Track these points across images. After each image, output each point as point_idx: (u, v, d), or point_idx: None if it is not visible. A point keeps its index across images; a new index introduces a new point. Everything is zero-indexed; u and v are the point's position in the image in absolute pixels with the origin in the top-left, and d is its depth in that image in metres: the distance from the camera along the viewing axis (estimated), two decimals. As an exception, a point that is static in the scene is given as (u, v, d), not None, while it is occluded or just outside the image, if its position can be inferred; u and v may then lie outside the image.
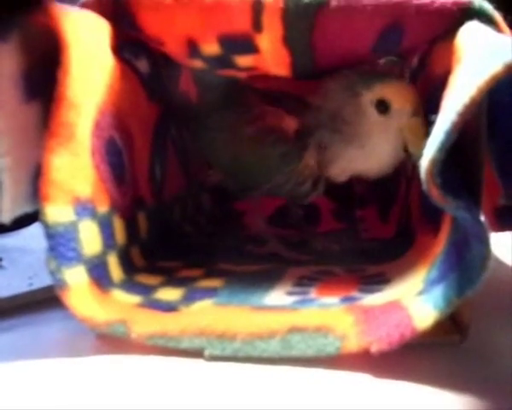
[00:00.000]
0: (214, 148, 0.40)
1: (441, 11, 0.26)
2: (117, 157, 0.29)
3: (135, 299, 0.28)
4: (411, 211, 0.34)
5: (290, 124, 0.36)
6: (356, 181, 0.44)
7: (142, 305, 0.27)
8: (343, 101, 0.33)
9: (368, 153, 0.33)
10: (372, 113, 0.32)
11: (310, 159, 0.36)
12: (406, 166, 0.37)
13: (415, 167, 0.34)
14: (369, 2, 0.26)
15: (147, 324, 0.25)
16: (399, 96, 0.31)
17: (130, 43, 0.31)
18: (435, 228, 0.27)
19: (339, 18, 0.27)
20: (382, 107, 0.32)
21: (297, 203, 0.43)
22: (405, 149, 0.32)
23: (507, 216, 0.28)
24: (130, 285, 0.29)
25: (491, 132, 0.23)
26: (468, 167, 0.23)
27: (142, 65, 0.33)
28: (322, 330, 0.23)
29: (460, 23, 0.25)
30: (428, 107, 0.30)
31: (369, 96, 0.32)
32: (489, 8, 0.26)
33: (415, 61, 0.35)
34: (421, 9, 0.26)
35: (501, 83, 0.19)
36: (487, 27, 0.25)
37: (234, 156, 0.38)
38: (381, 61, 0.45)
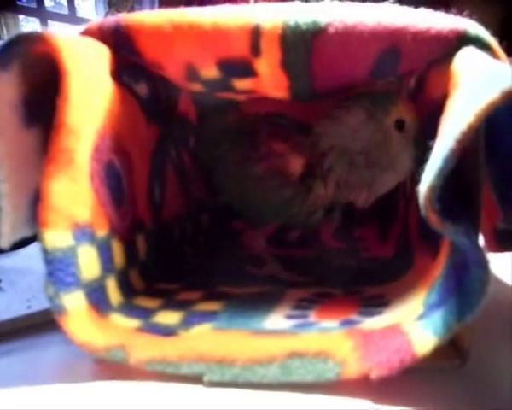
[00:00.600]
0: (220, 179, 0.42)
1: (437, 38, 0.26)
2: (116, 180, 0.29)
3: (134, 323, 0.27)
4: (410, 231, 0.34)
5: (296, 166, 0.36)
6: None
7: (141, 329, 0.27)
8: (369, 134, 0.34)
9: (398, 172, 0.35)
10: (395, 134, 0.34)
11: (320, 192, 0.36)
12: (405, 185, 0.37)
13: (413, 187, 0.35)
14: (366, 28, 0.26)
15: (145, 349, 0.25)
16: (408, 111, 0.33)
17: (129, 67, 0.31)
18: (434, 249, 0.27)
19: (336, 44, 0.28)
20: (399, 124, 0.33)
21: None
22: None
23: (506, 239, 0.28)
24: (129, 309, 0.29)
25: (490, 156, 0.24)
26: (466, 191, 0.23)
27: (142, 89, 0.33)
28: (321, 356, 0.23)
29: (456, 49, 0.26)
30: (426, 131, 0.30)
31: (389, 120, 0.34)
32: (485, 34, 0.26)
33: (412, 82, 0.35)
34: (417, 36, 0.26)
35: (499, 108, 0.19)
36: (483, 53, 0.25)
37: (240, 192, 0.39)
38: (379, 82, 0.46)
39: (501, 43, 0.27)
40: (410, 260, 0.32)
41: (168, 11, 0.29)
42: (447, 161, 0.20)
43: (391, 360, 0.21)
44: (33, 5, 1.01)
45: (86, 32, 0.29)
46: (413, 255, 0.32)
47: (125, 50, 0.30)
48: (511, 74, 0.20)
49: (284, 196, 0.36)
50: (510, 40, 0.27)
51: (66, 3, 1.05)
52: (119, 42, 0.29)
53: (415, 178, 0.34)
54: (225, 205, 0.46)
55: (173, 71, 0.33)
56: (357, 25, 0.27)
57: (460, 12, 0.27)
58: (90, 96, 0.26)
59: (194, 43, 0.29)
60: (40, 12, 1.02)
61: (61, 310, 0.23)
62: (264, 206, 0.38)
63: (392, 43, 0.27)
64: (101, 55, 0.29)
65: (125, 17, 0.29)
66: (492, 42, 0.26)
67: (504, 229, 0.27)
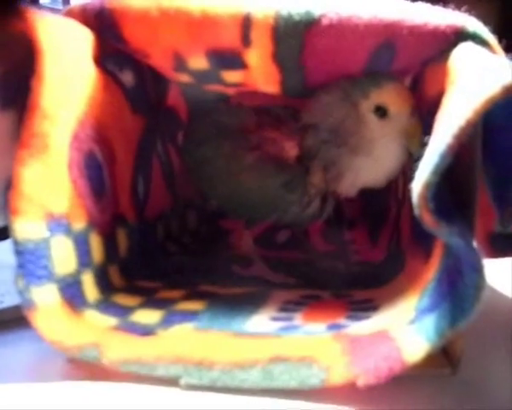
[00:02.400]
0: (211, 179, 0.39)
1: (434, 33, 0.25)
2: (96, 171, 0.28)
3: (110, 321, 0.26)
4: (402, 234, 0.33)
5: (290, 150, 0.35)
6: (345, 202, 0.43)
7: (117, 328, 0.26)
8: (342, 113, 0.33)
9: (374, 160, 0.33)
10: (372, 119, 0.32)
11: (315, 178, 0.35)
12: (397, 187, 0.36)
13: (406, 190, 0.34)
14: (361, 21, 0.25)
15: (121, 348, 0.23)
16: (396, 100, 0.31)
17: (114, 54, 0.30)
18: (426, 253, 0.26)
19: (330, 36, 0.27)
20: (381, 112, 0.32)
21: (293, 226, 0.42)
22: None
23: (501, 242, 0.27)
24: (105, 306, 0.27)
25: (486, 155, 0.23)
26: (461, 192, 0.22)
27: (127, 77, 0.32)
28: (306, 361, 0.22)
29: (454, 45, 0.25)
30: (422, 128, 0.29)
31: (366, 104, 0.32)
32: (483, 31, 0.25)
33: (408, 80, 0.34)
34: (413, 30, 0.25)
35: (495, 106, 0.18)
36: (482, 49, 0.24)
37: (233, 188, 0.37)
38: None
39: (500, 41, 0.26)
40: (401, 264, 0.31)
41: None
42: (444, 157, 0.19)
43: (379, 367, 0.20)
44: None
45: (69, 14, 0.28)
46: (404, 259, 0.31)
47: (109, 35, 0.28)
48: (511, 69, 0.19)
49: (282, 180, 0.35)
50: (508, 37, 0.26)
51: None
52: (104, 26, 0.28)
53: (407, 178, 0.34)
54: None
55: (160, 59, 0.32)
56: (351, 17, 0.26)
57: (458, 8, 0.27)
58: (69, 79, 0.25)
59: (182, 30, 0.28)
60: (35, 7, 1.00)
61: (31, 305, 0.22)
62: (261, 197, 0.36)
63: (388, 37, 0.26)
64: (84, 38, 0.28)
65: (110, 0, 0.27)
66: (491, 39, 0.25)
67: (499, 234, 0.26)
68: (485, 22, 0.26)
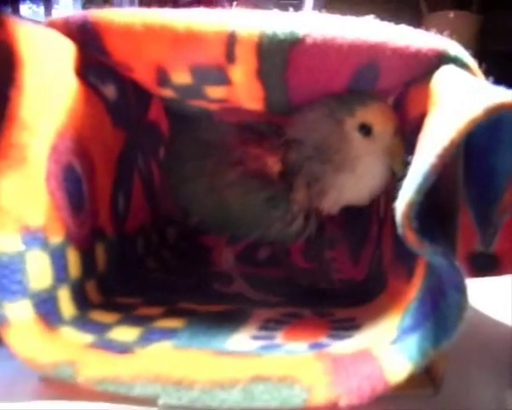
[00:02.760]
0: (194, 196, 0.39)
1: (417, 55, 0.25)
2: (75, 184, 0.27)
3: (86, 338, 0.25)
4: (383, 253, 0.33)
5: (274, 165, 0.35)
6: (326, 220, 0.43)
7: (93, 345, 0.25)
8: (327, 130, 0.33)
9: (358, 177, 0.33)
10: (356, 137, 0.32)
11: (298, 195, 0.35)
12: (379, 206, 0.36)
13: (388, 209, 0.34)
14: (345, 41, 0.26)
15: (97, 366, 0.23)
16: (381, 119, 0.32)
17: (96, 67, 0.30)
18: (408, 272, 0.26)
19: (314, 55, 0.27)
20: (365, 130, 0.32)
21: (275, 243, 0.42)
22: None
23: (481, 262, 0.27)
24: (82, 323, 0.27)
25: (467, 176, 0.23)
26: (443, 213, 0.23)
27: (109, 91, 0.32)
28: (287, 380, 0.21)
29: (436, 67, 0.25)
30: (405, 148, 0.29)
31: (351, 122, 0.32)
32: (464, 54, 0.26)
33: (390, 101, 0.34)
34: (396, 52, 0.25)
35: (477, 127, 0.18)
36: (463, 72, 0.24)
37: (216, 204, 0.37)
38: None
39: (480, 64, 0.27)
40: (383, 283, 0.31)
41: (140, 10, 0.27)
42: (427, 176, 0.19)
43: (361, 387, 0.20)
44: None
45: (51, 25, 0.27)
46: (386, 278, 0.31)
47: (92, 48, 0.28)
48: (493, 92, 0.19)
49: (266, 196, 0.35)
50: (485, 59, 0.26)
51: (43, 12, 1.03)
52: (87, 38, 0.27)
53: (389, 197, 0.34)
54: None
55: (143, 74, 0.31)
56: (336, 37, 0.26)
57: (438, 31, 0.27)
58: (49, 90, 0.25)
59: (167, 45, 0.28)
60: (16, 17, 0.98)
61: (3, 321, 0.21)
62: (244, 214, 0.36)
63: (371, 58, 0.26)
64: (66, 50, 0.27)
65: (93, 13, 0.27)
66: (471, 62, 0.26)
67: (480, 253, 0.26)
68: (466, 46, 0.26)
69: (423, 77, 0.26)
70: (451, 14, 0.85)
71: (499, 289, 0.36)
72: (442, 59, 0.25)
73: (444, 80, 0.24)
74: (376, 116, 0.31)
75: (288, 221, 0.35)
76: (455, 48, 0.26)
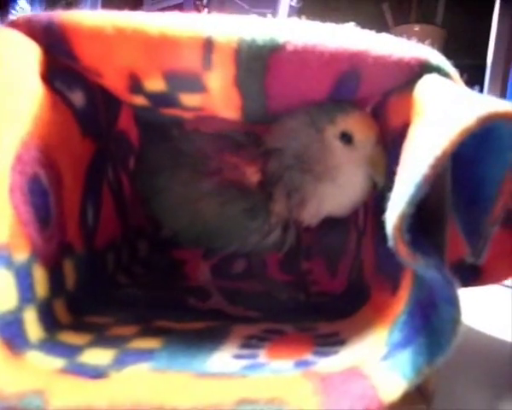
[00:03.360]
0: (167, 209, 0.37)
1: (399, 64, 0.25)
2: (41, 197, 0.26)
3: (56, 363, 0.23)
4: (363, 265, 0.33)
5: (252, 175, 0.34)
6: (303, 231, 0.43)
7: (64, 370, 0.23)
8: (307, 139, 0.32)
9: (339, 187, 0.32)
10: (337, 146, 0.31)
11: (277, 205, 0.33)
12: (358, 217, 0.36)
13: (367, 220, 0.33)
14: (326, 49, 0.25)
15: (68, 394, 0.21)
16: (362, 127, 0.31)
17: (63, 72, 0.28)
18: (393, 285, 0.26)
19: (294, 63, 0.26)
20: (346, 139, 0.31)
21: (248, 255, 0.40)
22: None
23: (465, 273, 0.26)
24: (51, 346, 0.25)
25: (454, 189, 0.23)
26: (431, 223, 0.22)
27: (77, 98, 0.30)
28: (275, 403, 0.20)
29: (418, 76, 0.25)
30: (389, 158, 0.29)
31: (332, 130, 0.31)
32: (446, 64, 0.25)
33: (367, 111, 0.34)
34: (378, 60, 0.25)
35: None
36: (447, 80, 0.24)
37: (191, 216, 0.35)
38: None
39: (461, 75, 0.27)
40: (365, 295, 0.30)
41: (110, 13, 0.26)
42: (420, 187, 0.18)
43: (355, 408, 0.19)
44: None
45: (13, 25, 0.25)
46: (368, 290, 0.30)
47: (58, 51, 0.26)
48: (484, 101, 0.19)
49: (244, 207, 0.33)
50: (470, 68, 0.26)
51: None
52: (52, 41, 0.26)
53: (368, 208, 0.33)
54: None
55: (114, 80, 0.30)
56: (317, 44, 0.25)
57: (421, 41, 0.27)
58: (12, 96, 0.23)
59: (139, 50, 0.26)
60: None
61: (-37, 348, 0.19)
62: (221, 225, 0.34)
63: (353, 65, 0.26)
64: (30, 53, 0.25)
65: (59, 14, 0.25)
66: (453, 72, 0.26)
67: (465, 264, 0.26)
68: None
69: (405, 86, 0.26)
70: (416, 28, 0.87)
71: (481, 300, 0.36)
72: (424, 68, 0.25)
73: (427, 89, 0.24)
74: (357, 124, 0.31)
75: (266, 233, 0.34)
76: (436, 57, 0.25)
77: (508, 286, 0.40)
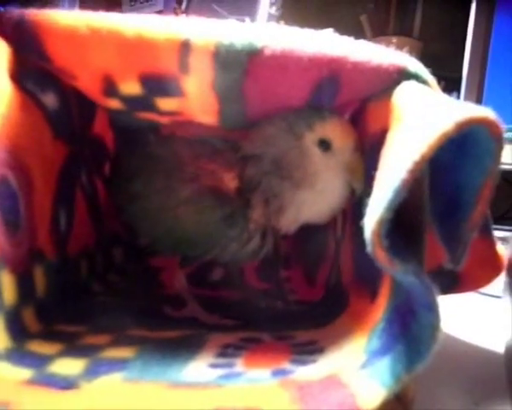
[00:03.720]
0: (143, 216, 0.36)
1: (378, 70, 0.25)
2: (10, 200, 0.25)
3: (24, 373, 0.22)
4: (342, 273, 0.32)
5: (230, 181, 0.33)
6: (281, 239, 0.42)
7: (31, 381, 0.22)
8: (286, 145, 0.32)
9: (317, 193, 0.32)
10: (316, 152, 0.31)
11: (256, 213, 0.33)
12: (336, 224, 0.35)
13: (345, 227, 0.33)
14: (305, 54, 0.25)
15: (36, 406, 0.20)
16: (340, 134, 0.31)
17: (34, 73, 0.27)
18: (371, 292, 0.26)
19: (272, 68, 0.26)
20: (324, 145, 0.31)
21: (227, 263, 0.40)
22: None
23: (443, 280, 0.26)
24: (18, 356, 0.24)
25: (431, 193, 0.22)
26: (409, 230, 0.22)
27: (49, 99, 0.29)
28: None
29: (396, 83, 0.25)
30: (366, 165, 0.29)
31: (310, 137, 0.31)
32: (424, 71, 0.26)
33: (346, 117, 0.34)
34: (357, 66, 0.25)
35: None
36: (425, 87, 0.24)
37: (168, 224, 0.34)
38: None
39: (439, 82, 0.27)
40: (343, 303, 0.30)
41: (85, 13, 0.25)
42: (398, 192, 0.18)
43: (333, 417, 0.18)
44: None
45: None
46: (346, 298, 0.30)
47: (29, 50, 0.26)
48: (461, 106, 0.19)
49: (222, 215, 0.32)
50: (446, 79, 0.27)
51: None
52: (23, 40, 0.25)
53: (346, 215, 0.33)
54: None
55: (88, 82, 0.29)
56: (295, 49, 0.25)
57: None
58: None
59: (114, 52, 0.26)
60: None
61: None
62: (198, 233, 0.34)
63: (332, 71, 0.26)
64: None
65: (31, 12, 0.25)
66: (431, 79, 0.26)
67: (443, 272, 0.26)
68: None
69: (383, 92, 0.26)
70: (394, 39, 0.88)
71: (461, 308, 0.36)
72: (402, 75, 0.25)
73: (406, 95, 0.24)
74: (336, 131, 0.31)
75: (245, 240, 0.33)
76: (415, 64, 0.25)
77: (488, 294, 0.41)
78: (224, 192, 0.33)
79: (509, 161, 0.62)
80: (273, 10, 0.69)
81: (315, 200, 0.32)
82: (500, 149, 0.19)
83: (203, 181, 0.33)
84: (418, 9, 0.94)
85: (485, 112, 0.18)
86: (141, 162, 0.37)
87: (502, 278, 0.30)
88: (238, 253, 0.34)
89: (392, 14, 0.95)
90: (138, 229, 0.39)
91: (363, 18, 0.95)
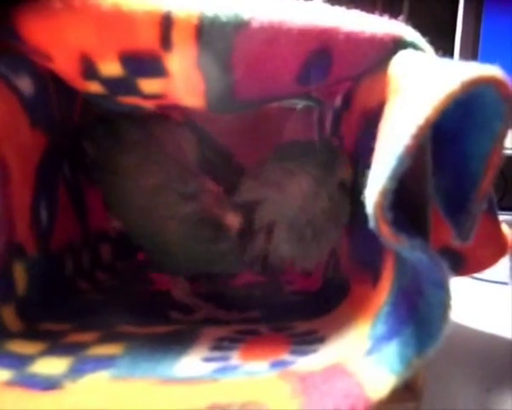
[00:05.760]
0: (129, 217, 0.34)
1: (372, 40, 0.24)
2: None
3: (3, 375, 0.21)
4: (340, 259, 0.31)
5: (233, 222, 0.31)
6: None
7: (11, 383, 0.20)
8: (318, 203, 0.30)
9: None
10: (339, 196, 0.30)
11: (256, 247, 0.31)
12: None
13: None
14: (295, 25, 0.23)
15: (15, 407, 0.19)
16: (348, 167, 0.30)
17: (7, 54, 0.25)
18: (372, 277, 0.24)
19: (260, 41, 0.24)
20: (344, 185, 0.30)
21: None
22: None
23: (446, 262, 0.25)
24: None
25: (436, 168, 0.21)
26: (412, 205, 0.21)
27: (24, 84, 0.27)
28: (250, 407, 0.18)
29: (392, 53, 0.23)
30: (363, 141, 0.27)
31: (335, 182, 0.30)
32: (421, 40, 0.24)
33: (338, 100, 0.33)
34: (350, 37, 0.23)
35: (444, 117, 0.17)
36: (423, 54, 0.23)
37: (156, 233, 0.32)
38: (298, 106, 0.43)
39: (437, 51, 0.25)
40: (343, 290, 0.28)
41: None
42: (402, 159, 0.17)
43: (339, 408, 0.17)
44: None
45: None
46: (346, 285, 0.29)
47: (0, 30, 0.24)
48: (468, 66, 0.17)
49: (218, 250, 0.31)
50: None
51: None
52: None
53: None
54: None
55: (64, 63, 0.27)
56: (284, 21, 0.23)
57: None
58: None
59: (91, 28, 0.24)
60: None
61: None
62: (187, 253, 0.31)
63: (323, 43, 0.24)
64: None
65: None
66: (428, 49, 0.24)
67: (445, 252, 0.24)
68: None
69: (379, 64, 0.24)
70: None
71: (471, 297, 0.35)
72: (398, 44, 0.24)
73: (403, 64, 0.22)
74: (346, 167, 0.30)
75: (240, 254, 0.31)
76: (411, 33, 0.24)
77: (499, 282, 0.40)
78: (225, 228, 0.31)
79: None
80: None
81: None
82: (510, 110, 0.18)
83: (205, 201, 0.31)
84: (405, 4, 0.93)
85: (493, 70, 0.17)
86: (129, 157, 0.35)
87: (508, 265, 0.29)
88: (234, 263, 0.32)
89: (378, 7, 0.94)
90: (126, 229, 0.37)
91: (350, 6, 0.95)
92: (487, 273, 0.32)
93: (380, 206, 0.17)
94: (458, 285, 0.29)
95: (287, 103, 0.41)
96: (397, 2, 0.94)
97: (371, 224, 0.18)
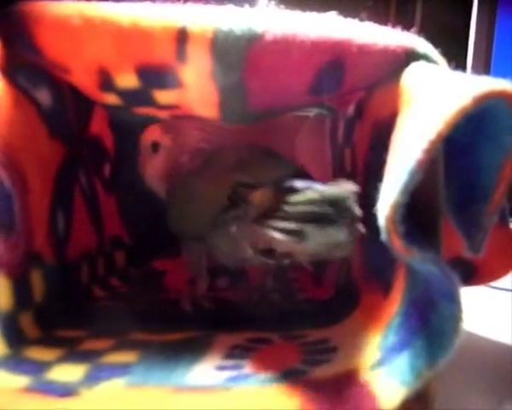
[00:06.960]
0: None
1: (385, 52, 0.24)
2: (4, 201, 0.23)
3: (20, 381, 0.21)
4: (352, 269, 0.31)
5: (262, 199, 0.28)
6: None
7: (29, 389, 0.21)
8: None
9: None
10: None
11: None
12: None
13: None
14: (308, 38, 0.24)
15: None
16: None
17: (27, 67, 0.26)
18: (384, 287, 0.24)
19: (274, 53, 0.24)
20: None
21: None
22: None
23: (459, 272, 0.25)
24: (15, 363, 0.23)
25: (447, 182, 0.21)
26: (424, 218, 0.21)
27: (43, 95, 0.28)
28: None
29: (404, 65, 0.24)
30: (375, 151, 0.28)
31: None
32: (434, 52, 0.24)
33: (351, 109, 0.33)
34: (363, 49, 0.24)
35: (457, 127, 0.17)
36: (435, 66, 0.23)
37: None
38: (311, 114, 0.43)
39: (449, 63, 0.26)
40: (355, 300, 0.28)
41: (77, 2, 0.24)
42: (413, 173, 0.17)
43: (351, 419, 0.17)
44: None
45: None
46: (358, 294, 0.29)
47: (20, 44, 0.24)
48: (478, 80, 0.18)
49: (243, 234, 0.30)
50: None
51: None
52: (13, 31, 0.24)
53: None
54: (143, 243, 0.41)
55: (82, 76, 0.28)
56: (297, 33, 0.24)
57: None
58: None
59: (109, 42, 0.24)
60: None
61: None
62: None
63: (336, 55, 0.25)
64: None
65: (20, 2, 0.24)
66: (441, 60, 0.24)
67: (458, 263, 0.24)
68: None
69: (391, 76, 0.24)
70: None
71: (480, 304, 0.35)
72: (411, 56, 0.24)
73: (416, 76, 0.22)
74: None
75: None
76: (424, 45, 0.24)
77: (507, 289, 0.40)
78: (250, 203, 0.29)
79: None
80: (272, 4, 0.68)
81: None
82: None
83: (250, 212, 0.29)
84: (418, 7, 0.92)
85: (504, 84, 0.17)
86: None
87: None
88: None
89: (391, 11, 0.94)
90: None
91: (363, 15, 0.95)
92: (501, 281, 0.32)
93: (391, 219, 0.17)
94: (470, 293, 0.29)
95: (299, 112, 0.41)
96: (410, 10, 0.94)
97: (383, 236, 0.18)
